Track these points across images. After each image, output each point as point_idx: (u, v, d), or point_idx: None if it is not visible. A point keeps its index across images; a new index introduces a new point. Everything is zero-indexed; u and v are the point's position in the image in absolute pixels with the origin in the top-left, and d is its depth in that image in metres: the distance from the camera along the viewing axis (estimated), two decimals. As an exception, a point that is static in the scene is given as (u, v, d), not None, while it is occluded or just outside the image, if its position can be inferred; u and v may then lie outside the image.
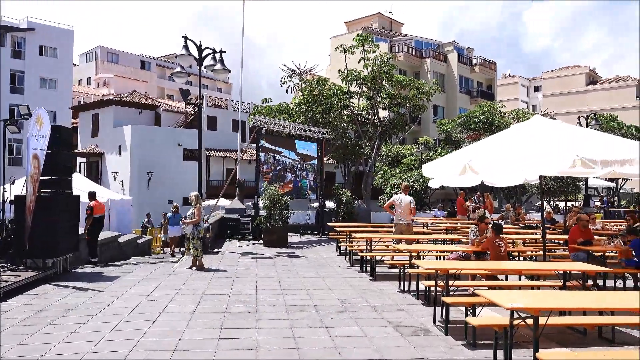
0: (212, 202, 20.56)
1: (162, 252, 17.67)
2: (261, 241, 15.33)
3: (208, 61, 14.28)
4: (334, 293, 8.37)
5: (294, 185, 18.03)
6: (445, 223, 16.54)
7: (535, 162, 7.50)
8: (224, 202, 21.45)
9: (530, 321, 4.27)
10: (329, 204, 19.62)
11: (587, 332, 6.09)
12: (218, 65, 14.16)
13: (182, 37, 13.45)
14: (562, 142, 7.66)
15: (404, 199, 12.12)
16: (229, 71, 14.58)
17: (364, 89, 22.63)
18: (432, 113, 44.52)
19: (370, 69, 21.86)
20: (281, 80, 23.04)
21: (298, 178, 18.31)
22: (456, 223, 16.01)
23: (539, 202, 36.98)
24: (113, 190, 28.50)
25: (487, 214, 16.49)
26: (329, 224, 16.05)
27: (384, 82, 22.36)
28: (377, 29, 50.52)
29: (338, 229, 13.53)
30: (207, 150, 35.12)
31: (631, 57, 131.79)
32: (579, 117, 25.12)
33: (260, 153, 16.62)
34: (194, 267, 10.55)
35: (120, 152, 35.45)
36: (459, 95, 48.29)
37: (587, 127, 23.65)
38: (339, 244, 14.01)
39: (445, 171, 9.29)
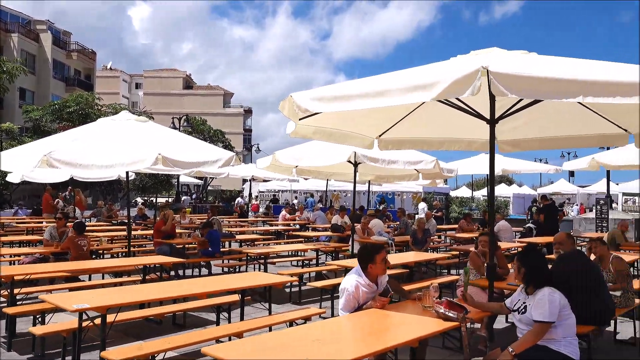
0: None
1: None
2: None
3: None
4: None
5: None
6: (29, 223, 14.77)
7: (122, 158, 7.46)
8: None
9: (99, 321, 4.12)
10: None
11: (163, 321, 6.43)
12: None
13: None
14: (147, 140, 7.89)
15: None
16: None
17: None
18: (19, 97, 39.25)
19: None
20: None
21: None
22: (42, 222, 14.49)
23: (134, 199, 37.62)
24: None
25: (77, 210, 15.65)
26: None
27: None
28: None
29: None
30: None
31: (219, 69, 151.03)
32: (173, 118, 26.81)
33: None
34: None
35: None
36: (52, 81, 44.14)
37: (180, 128, 25.51)
38: None
39: (22, 163, 8.15)
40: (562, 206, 30.42)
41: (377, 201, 25.73)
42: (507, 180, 44.54)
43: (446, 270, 10.81)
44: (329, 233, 12.65)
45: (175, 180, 28.86)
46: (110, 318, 4.20)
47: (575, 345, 3.57)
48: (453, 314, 3.47)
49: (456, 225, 15.29)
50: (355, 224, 10.50)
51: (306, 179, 22.76)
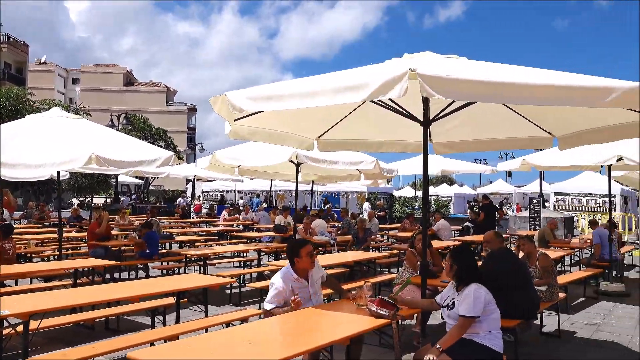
0: None
1: None
2: None
3: None
4: None
5: None
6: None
7: (52, 157, 7.13)
8: None
9: (21, 328, 3.91)
10: None
11: (96, 326, 6.18)
12: None
13: None
14: (80, 138, 7.59)
15: None
16: None
17: None
18: (-58, 91, 36.73)
19: None
20: None
21: None
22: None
23: (70, 200, 35.96)
24: None
25: (6, 212, 14.79)
26: None
27: None
28: None
29: None
30: None
31: (162, 65, 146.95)
32: (111, 115, 25.85)
33: None
34: None
35: None
36: (-20, 74, 41.71)
37: (118, 126, 24.64)
38: None
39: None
40: (502, 205, 31.69)
41: (321, 201, 25.90)
42: (449, 180, 45.97)
43: (387, 269, 11.01)
44: (271, 233, 12.58)
45: (114, 180, 27.88)
46: (34, 324, 4.00)
47: (500, 338, 3.73)
48: (384, 312, 3.55)
49: (399, 225, 15.59)
50: (298, 224, 10.51)
51: (251, 179, 22.52)
